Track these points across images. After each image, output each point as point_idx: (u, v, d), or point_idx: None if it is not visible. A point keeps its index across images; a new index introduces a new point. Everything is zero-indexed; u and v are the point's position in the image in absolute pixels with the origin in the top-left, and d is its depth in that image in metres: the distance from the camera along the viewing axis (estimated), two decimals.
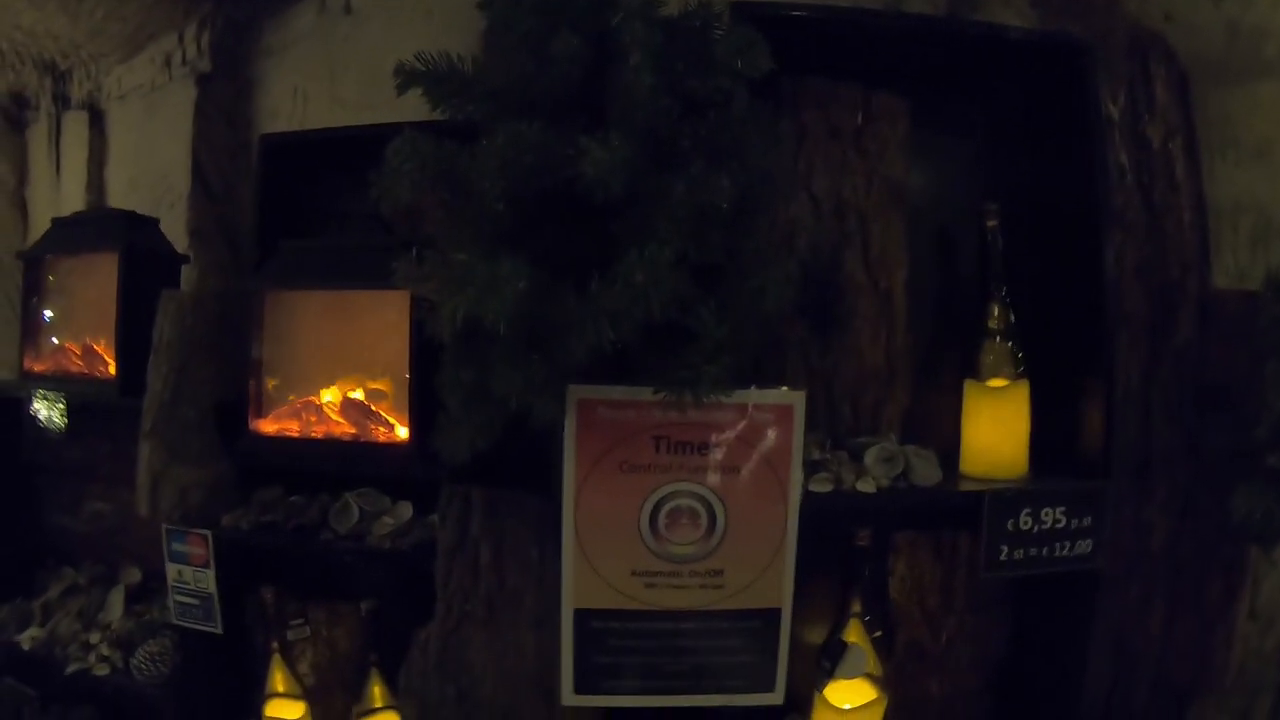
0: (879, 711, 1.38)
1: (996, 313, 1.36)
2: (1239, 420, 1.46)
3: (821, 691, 1.37)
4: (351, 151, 1.80)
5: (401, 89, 1.16)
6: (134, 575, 1.94)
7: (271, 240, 1.79)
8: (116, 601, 1.88)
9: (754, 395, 1.16)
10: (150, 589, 1.91)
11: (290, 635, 1.69)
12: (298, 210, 1.89)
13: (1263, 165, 1.63)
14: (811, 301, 1.32)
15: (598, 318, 1.01)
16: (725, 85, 1.10)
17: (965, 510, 1.28)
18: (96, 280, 1.89)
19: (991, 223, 1.37)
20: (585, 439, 1.17)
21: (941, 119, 1.48)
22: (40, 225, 2.56)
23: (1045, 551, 1.33)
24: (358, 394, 1.72)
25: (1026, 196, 1.47)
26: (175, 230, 2.14)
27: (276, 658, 1.64)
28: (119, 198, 2.37)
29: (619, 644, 1.22)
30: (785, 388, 1.18)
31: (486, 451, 1.16)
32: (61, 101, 2.50)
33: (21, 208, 2.63)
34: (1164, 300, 1.52)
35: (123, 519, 1.94)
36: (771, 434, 1.17)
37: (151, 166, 2.32)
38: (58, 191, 2.51)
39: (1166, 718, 1.60)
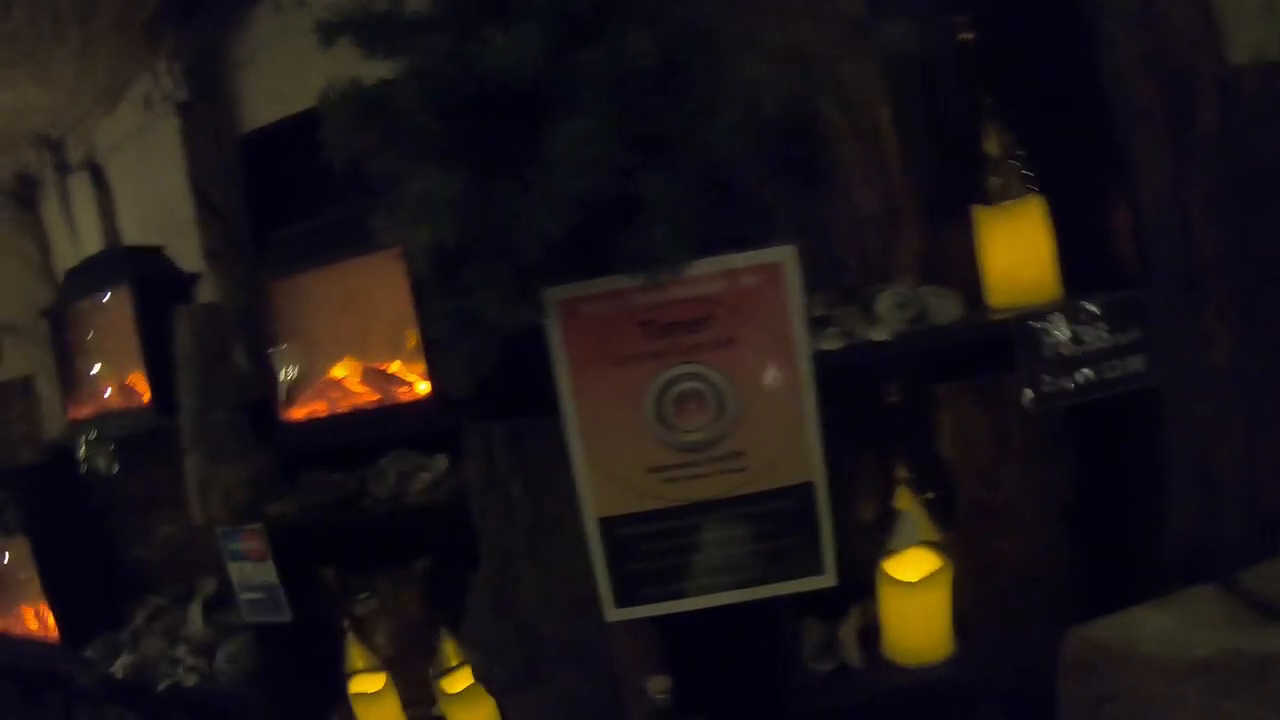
0: (946, 579, 1.27)
1: (991, 131, 1.23)
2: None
3: (881, 567, 1.27)
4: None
5: (326, 42, 1.13)
6: (209, 586, 1.99)
7: (268, 234, 1.79)
8: (196, 614, 1.93)
9: (735, 259, 1.07)
10: (227, 595, 1.94)
11: (359, 610, 1.69)
12: (290, 200, 1.88)
13: None
14: (792, 156, 1.21)
15: (539, 205, 0.94)
16: None
17: (1002, 344, 1.15)
18: (116, 317, 1.92)
19: (965, 37, 1.23)
20: (573, 340, 1.10)
21: None
22: None
23: (1094, 374, 1.19)
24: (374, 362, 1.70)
25: (1001, 5, 1.32)
26: (190, 255, 2.17)
27: (350, 635, 1.64)
28: (134, 239, 2.41)
29: (650, 548, 1.15)
30: (772, 245, 1.08)
31: (500, 385, 1.12)
32: (63, 169, 2.57)
33: (49, 277, 2.73)
34: (1177, 87, 1.34)
35: (191, 536, 1.98)
36: (765, 297, 1.08)
37: (156, 203, 2.35)
38: (78, 252, 2.58)
39: (1263, 548, 1.44)
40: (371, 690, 1.64)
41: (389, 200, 1.14)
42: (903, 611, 1.28)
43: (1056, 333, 1.17)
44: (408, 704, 1.69)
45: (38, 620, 2.11)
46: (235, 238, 2.24)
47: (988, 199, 1.24)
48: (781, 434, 1.11)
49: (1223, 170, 1.35)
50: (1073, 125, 1.29)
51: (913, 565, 1.27)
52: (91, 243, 2.50)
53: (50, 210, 2.67)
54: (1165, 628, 1.20)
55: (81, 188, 2.52)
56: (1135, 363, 1.21)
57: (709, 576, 1.15)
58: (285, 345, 1.75)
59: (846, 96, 1.26)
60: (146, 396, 1.89)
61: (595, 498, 1.13)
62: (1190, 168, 1.35)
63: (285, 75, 2.13)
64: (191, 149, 2.21)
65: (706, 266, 1.06)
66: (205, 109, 2.23)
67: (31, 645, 2.13)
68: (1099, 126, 1.26)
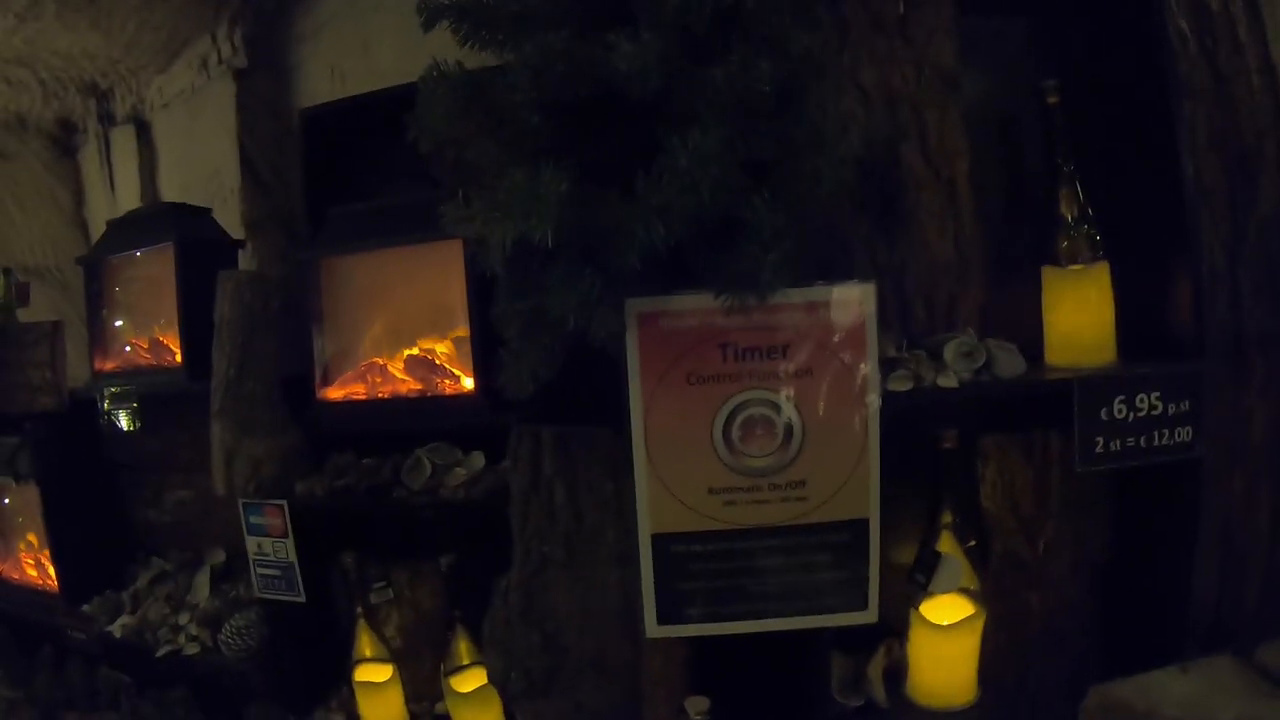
0: (978, 626, 1.28)
1: (1067, 195, 1.26)
2: None
3: (917, 608, 1.28)
4: (389, 113, 1.81)
5: (427, 25, 1.12)
6: (219, 556, 1.96)
7: (322, 210, 1.78)
8: (203, 583, 1.90)
9: (819, 291, 1.08)
10: (236, 568, 1.93)
11: (374, 599, 1.67)
12: (345, 179, 1.88)
13: None
14: (872, 197, 1.24)
15: (646, 215, 0.95)
16: None
17: (1054, 402, 1.18)
18: (155, 273, 1.91)
19: (1052, 99, 1.27)
20: (649, 353, 1.11)
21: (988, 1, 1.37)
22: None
23: (1143, 441, 1.22)
24: (419, 351, 1.70)
25: (1087, 74, 1.36)
26: (231, 223, 2.16)
27: (362, 622, 1.63)
28: (171, 199, 2.39)
29: (701, 568, 1.16)
30: (855, 283, 1.09)
31: (554, 390, 1.12)
32: (107, 120, 2.55)
33: (82, 227, 2.69)
34: (1242, 170, 1.38)
35: (205, 504, 1.95)
36: (842, 331, 1.09)
37: (201, 167, 2.33)
38: (114, 206, 2.55)
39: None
40: (377, 680, 1.63)
41: (463, 191, 1.15)
42: (933, 655, 1.29)
43: (1114, 397, 1.19)
44: (412, 698, 1.68)
45: (38, 570, 2.08)
46: (279, 210, 2.23)
47: (1057, 260, 1.27)
48: (843, 468, 1.12)
49: (1274, 251, 1.40)
50: (1143, 197, 1.32)
51: (948, 610, 1.28)
52: (129, 197, 2.47)
53: (89, 160, 2.64)
54: (1187, 693, 1.22)
55: (124, 141, 2.49)
56: (1183, 433, 1.24)
57: (755, 602, 1.15)
58: (327, 323, 1.75)
59: (930, 145, 1.28)
60: (178, 357, 1.88)
61: (652, 513, 1.13)
62: (1246, 247, 1.39)
63: (349, 54, 2.13)
64: (244, 117, 2.21)
65: (791, 296, 1.07)
66: (263, 78, 2.23)
67: (29, 594, 2.10)
68: (1168, 200, 1.29)
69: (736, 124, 0.97)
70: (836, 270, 1.22)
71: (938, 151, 1.28)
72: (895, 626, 1.34)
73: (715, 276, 1.01)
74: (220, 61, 2.24)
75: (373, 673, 1.63)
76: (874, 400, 1.10)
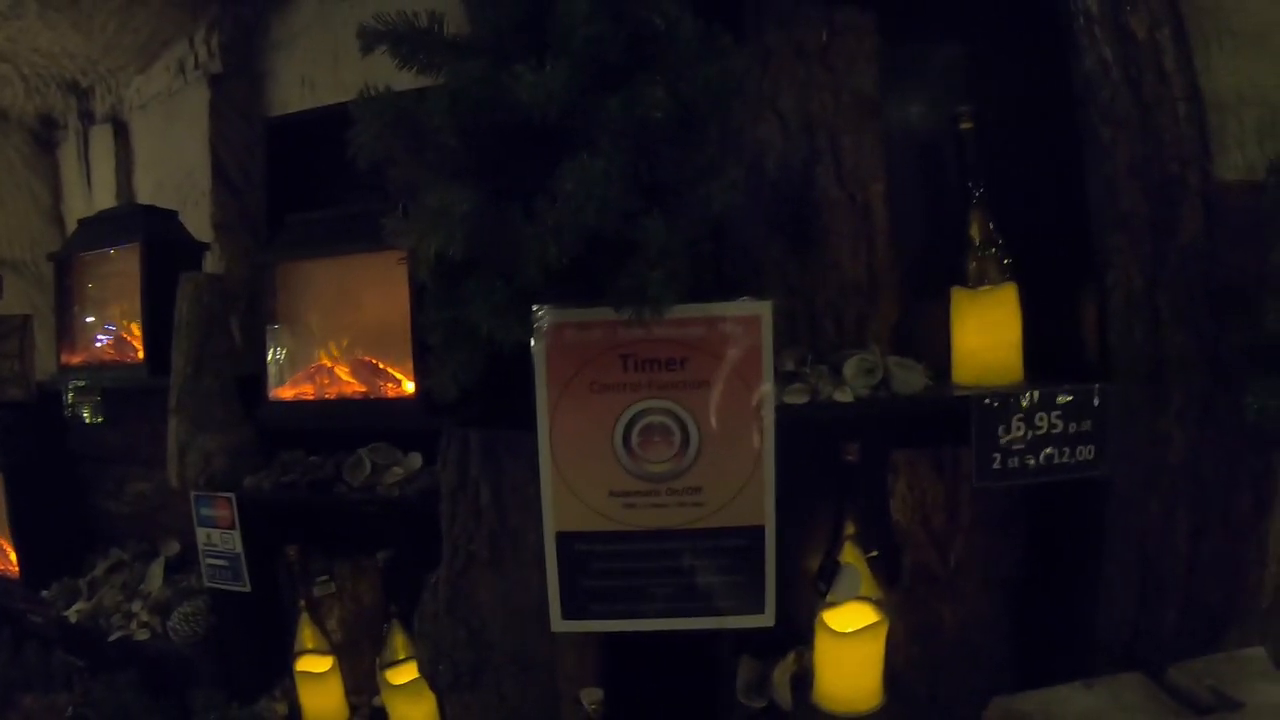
0: (881, 634, 1.37)
1: (978, 218, 1.35)
2: (1254, 319, 1.40)
3: (820, 616, 1.37)
4: (347, 126, 1.93)
5: (365, 49, 1.23)
6: (173, 548, 2.08)
7: (281, 217, 1.90)
8: (157, 573, 2.02)
9: (718, 307, 1.18)
10: (189, 560, 2.04)
11: (316, 591, 1.78)
12: (306, 187, 1.99)
13: (1263, 52, 1.56)
14: (786, 219, 1.33)
15: (542, 234, 1.05)
16: (671, 11, 1.13)
17: (954, 419, 1.27)
18: (123, 271, 2.03)
19: (965, 125, 1.36)
20: (555, 361, 1.21)
21: (912, 28, 1.46)
22: None
23: (1041, 459, 1.30)
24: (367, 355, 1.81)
25: (1007, 100, 1.45)
26: (201, 224, 2.29)
27: (305, 615, 1.74)
28: (146, 200, 2.52)
29: (603, 567, 1.25)
30: (749, 299, 1.19)
31: (484, 394, 1.23)
32: (87, 118, 2.69)
33: (58, 222, 2.83)
34: (1164, 197, 1.46)
35: (163, 497, 2.07)
36: (740, 346, 1.19)
37: (175, 168, 2.46)
38: (90, 203, 2.69)
39: (1201, 643, 1.54)
40: (318, 671, 1.73)
41: (403, 204, 1.26)
42: (837, 661, 1.38)
43: (1012, 416, 1.28)
44: (350, 690, 1.78)
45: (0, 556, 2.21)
46: (247, 214, 2.35)
47: (966, 281, 1.36)
48: (739, 476, 1.22)
49: (1196, 278, 1.48)
50: (1057, 221, 1.41)
51: (851, 618, 1.37)
52: (105, 195, 2.61)
53: (68, 156, 2.78)
54: (1089, 709, 1.30)
55: (102, 139, 2.63)
56: (1085, 452, 1.32)
57: (655, 601, 1.25)
58: (281, 326, 1.87)
59: (845, 169, 1.37)
60: (141, 353, 2.00)
61: (556, 512, 1.23)
62: (1166, 273, 1.47)
63: (320, 64, 2.26)
64: (217, 122, 2.33)
65: (690, 311, 1.17)
66: (237, 83, 2.35)
67: None
68: (1080, 225, 1.38)
69: (632, 149, 1.07)
70: (749, 288, 1.32)
71: (852, 175, 1.37)
72: (804, 636, 1.43)
73: (612, 291, 1.11)
74: (197, 66, 2.38)
75: (314, 664, 1.73)
76: (768, 412, 1.19)
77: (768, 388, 1.19)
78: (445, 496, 1.55)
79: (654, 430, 1.21)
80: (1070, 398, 1.29)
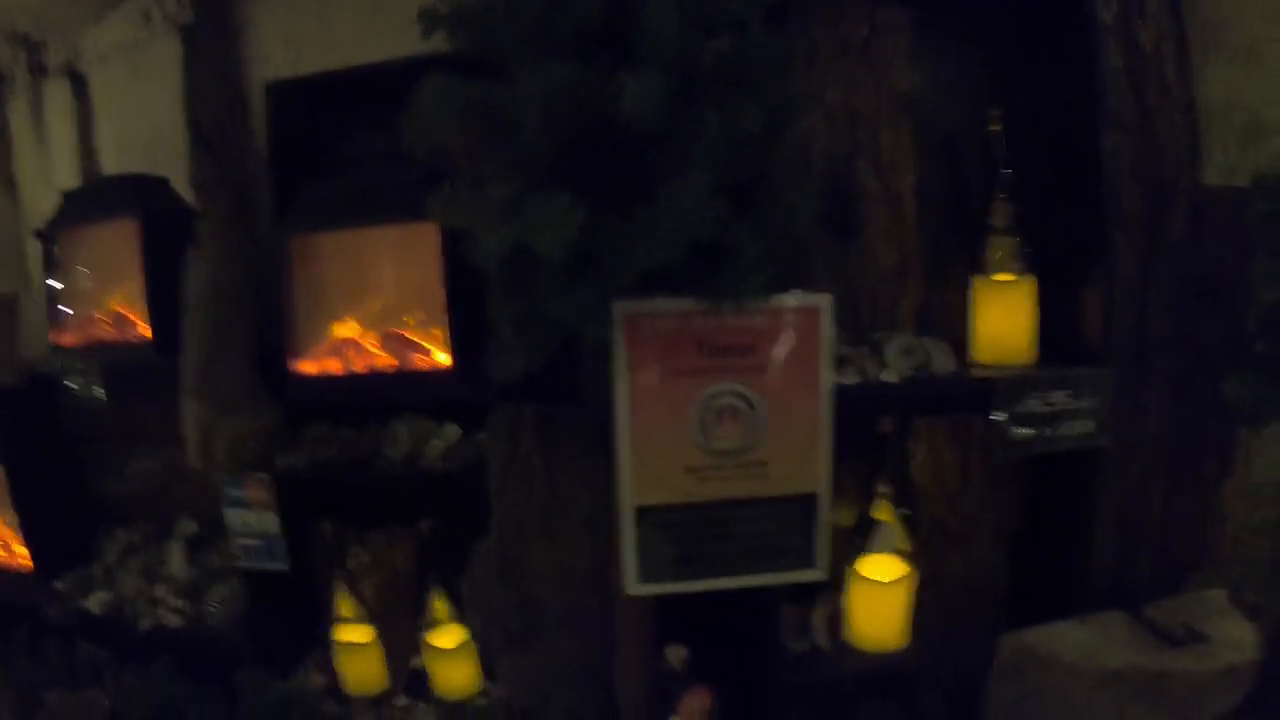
0: (909, 585, 1.63)
1: (1001, 212, 1.57)
2: (1230, 311, 1.68)
3: (855, 566, 1.62)
4: (358, 92, 1.99)
5: (426, 33, 1.31)
6: (189, 527, 2.15)
7: (287, 186, 1.97)
8: (176, 554, 2.10)
9: (785, 299, 1.37)
10: (207, 538, 2.13)
11: (352, 562, 1.93)
12: (311, 155, 2.05)
13: (1252, 65, 1.82)
14: (830, 209, 1.53)
15: (647, 243, 1.21)
16: (742, 10, 1.27)
17: (980, 395, 1.51)
18: (117, 246, 2.06)
19: (995, 127, 1.57)
20: (634, 351, 1.37)
21: (945, 29, 1.65)
22: (30, 199, 2.69)
23: (1052, 431, 1.57)
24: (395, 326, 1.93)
25: (1028, 101, 1.66)
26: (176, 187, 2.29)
27: (341, 586, 1.87)
28: (110, 161, 2.50)
29: (676, 534, 1.44)
30: (812, 291, 1.39)
31: (540, 373, 1.37)
32: (39, 71, 2.60)
33: (9, 183, 2.75)
34: (1158, 198, 1.70)
35: (172, 476, 2.14)
36: (802, 334, 1.39)
37: (141, 126, 2.44)
38: (46, 162, 2.63)
39: (1171, 587, 1.87)
40: (357, 640, 1.87)
41: (451, 182, 1.37)
42: (869, 606, 1.64)
43: (1029, 393, 1.53)
44: (390, 656, 1.94)
45: (5, 549, 2.24)
46: (230, 176, 2.37)
47: (986, 269, 1.59)
48: (799, 450, 1.43)
49: (1180, 272, 1.75)
50: (1071, 216, 1.64)
51: (882, 568, 1.62)
52: (64, 154, 2.56)
53: (18, 111, 2.69)
54: (1083, 642, 1.59)
55: (58, 95, 2.56)
56: (1088, 425, 1.59)
57: (721, 563, 1.46)
58: (301, 299, 1.96)
59: (882, 162, 1.57)
60: (142, 330, 2.04)
61: (635, 488, 1.42)
62: (1155, 267, 1.73)
63: (306, 18, 2.25)
64: (191, 76, 2.31)
65: (761, 302, 1.36)
66: (210, 37, 2.33)
67: None
68: (1091, 221, 1.62)
69: (725, 161, 1.23)
70: (797, 275, 1.52)
71: (889, 168, 1.58)
72: (835, 582, 1.68)
73: (706, 290, 1.28)
74: (164, 16, 2.35)
75: (353, 633, 1.87)
76: (827, 393, 1.41)
77: (828, 372, 1.40)
78: (496, 468, 1.71)
79: (725, 411, 1.40)
80: (1078, 380, 1.56)
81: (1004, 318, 1.58)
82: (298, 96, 2.04)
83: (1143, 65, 1.69)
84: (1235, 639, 1.61)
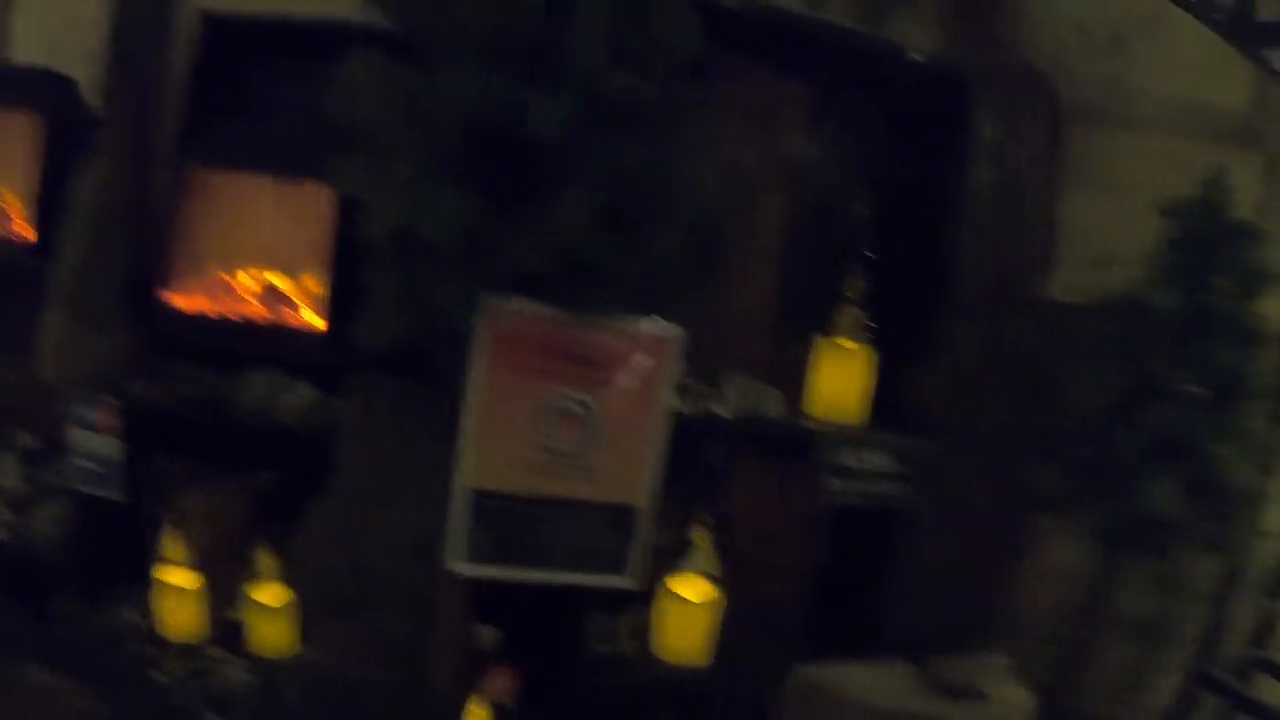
0: (715, 607, 1.82)
1: (854, 285, 1.79)
2: (1053, 412, 1.94)
3: (666, 583, 1.81)
4: (295, 40, 2.08)
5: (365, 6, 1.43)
6: (27, 440, 2.17)
7: (201, 119, 2.05)
8: (10, 466, 2.12)
9: (641, 324, 1.54)
10: (45, 454, 2.14)
11: (187, 504, 1.99)
12: (227, 92, 2.13)
13: (1115, 202, 2.11)
14: (699, 252, 1.71)
15: (523, 246, 1.37)
16: (657, 58, 1.44)
17: (803, 443, 1.72)
18: (12, 138, 2.08)
19: (863, 208, 1.80)
20: (494, 345, 1.51)
21: (841, 111, 1.87)
22: None
23: (867, 488, 1.79)
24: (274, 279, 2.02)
25: (903, 191, 1.90)
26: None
27: (172, 526, 1.90)
28: (23, 49, 2.50)
29: (505, 522, 1.58)
30: (667, 322, 1.56)
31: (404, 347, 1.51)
32: None
33: None
34: (1007, 301, 1.97)
35: (16, 385, 2.15)
36: (651, 359, 1.56)
37: (61, 21, 2.43)
38: None
39: (962, 646, 2.10)
40: (180, 584, 1.90)
41: (357, 151, 1.49)
42: (676, 621, 1.81)
43: (851, 450, 1.76)
44: (212, 605, 1.97)
45: None
46: (143, 93, 2.40)
47: (832, 332, 1.80)
48: (628, 463, 1.60)
49: (1016, 369, 2.01)
50: (917, 300, 1.88)
51: (692, 588, 1.80)
52: None
53: None
54: (869, 683, 1.81)
55: None
56: (901, 488, 1.83)
57: (543, 556, 1.60)
58: (189, 232, 2.03)
59: (756, 218, 1.78)
60: (20, 228, 2.07)
61: (471, 471, 1.55)
62: (993, 360, 1.98)
63: None
64: None
65: (617, 322, 1.53)
66: None
67: None
68: (937, 310, 1.86)
69: (606, 186, 1.40)
70: (657, 305, 1.70)
71: (762, 226, 1.79)
72: (647, 595, 1.86)
73: (566, 297, 1.44)
74: None
75: (177, 576, 1.89)
76: (663, 416, 1.59)
77: (666, 396, 1.58)
78: (348, 433, 1.82)
79: (567, 414, 1.56)
80: (899, 445, 1.79)
81: (840, 380, 1.80)
82: (231, 33, 2.10)
83: (1012, 182, 1.96)
84: (1011, 700, 1.86)
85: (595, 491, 1.60)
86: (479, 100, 1.36)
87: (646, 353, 1.56)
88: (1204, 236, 1.80)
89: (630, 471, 1.61)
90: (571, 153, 1.39)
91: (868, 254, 1.80)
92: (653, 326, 1.55)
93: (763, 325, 1.84)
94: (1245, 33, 1.88)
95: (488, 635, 1.66)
